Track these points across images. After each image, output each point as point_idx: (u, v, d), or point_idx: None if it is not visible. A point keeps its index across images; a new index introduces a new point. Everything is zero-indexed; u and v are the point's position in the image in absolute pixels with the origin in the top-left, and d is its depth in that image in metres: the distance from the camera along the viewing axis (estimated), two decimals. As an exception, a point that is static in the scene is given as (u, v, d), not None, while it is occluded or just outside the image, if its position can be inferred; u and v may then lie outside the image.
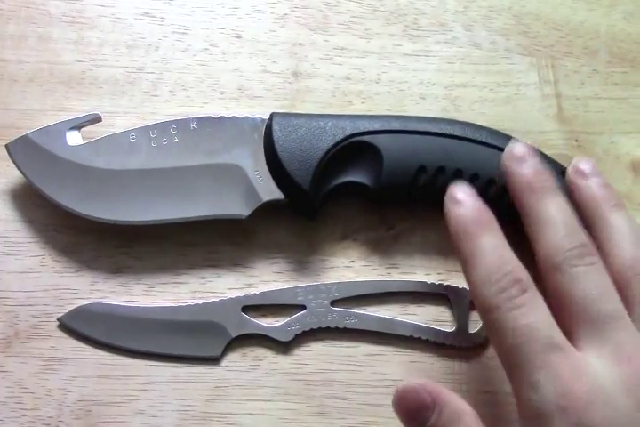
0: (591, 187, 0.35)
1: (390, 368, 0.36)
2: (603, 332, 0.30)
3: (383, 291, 0.37)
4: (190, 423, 0.35)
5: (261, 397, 0.35)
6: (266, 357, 0.36)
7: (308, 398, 0.35)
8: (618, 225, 0.34)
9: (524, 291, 0.30)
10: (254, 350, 0.36)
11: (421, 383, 0.30)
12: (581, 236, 0.32)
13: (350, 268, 0.38)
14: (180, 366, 0.36)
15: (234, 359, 0.36)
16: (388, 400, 0.35)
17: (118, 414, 0.35)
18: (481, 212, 0.33)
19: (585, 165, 0.36)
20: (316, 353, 0.36)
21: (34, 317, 0.36)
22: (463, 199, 0.33)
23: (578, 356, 0.29)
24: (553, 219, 0.32)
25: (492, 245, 0.31)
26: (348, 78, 0.42)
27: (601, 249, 0.33)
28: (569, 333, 0.30)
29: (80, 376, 0.35)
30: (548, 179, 0.33)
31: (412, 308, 0.37)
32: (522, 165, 0.34)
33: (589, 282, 0.31)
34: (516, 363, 0.29)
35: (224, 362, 0.36)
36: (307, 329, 0.36)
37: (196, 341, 0.36)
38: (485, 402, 0.36)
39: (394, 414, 0.35)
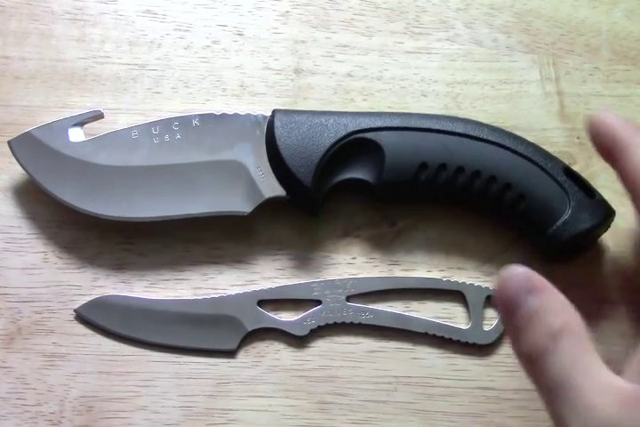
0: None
1: (392, 365, 0.36)
2: None
3: (399, 287, 0.37)
4: (192, 419, 0.35)
5: (263, 393, 0.35)
6: (268, 353, 0.36)
7: (309, 395, 0.35)
8: None
9: None
10: (269, 344, 0.36)
11: (529, 271, 0.29)
12: None
13: (352, 264, 0.38)
14: (182, 362, 0.36)
15: (236, 356, 0.36)
16: (390, 397, 0.36)
17: (120, 410, 0.35)
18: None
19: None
20: (318, 350, 0.36)
21: (36, 313, 0.36)
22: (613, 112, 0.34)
23: None
24: None
25: None
26: (350, 75, 0.42)
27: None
28: None
29: (82, 372, 0.35)
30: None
31: (415, 305, 0.37)
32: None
33: None
34: None
35: (226, 358, 0.36)
36: (322, 324, 0.36)
37: (212, 334, 0.36)
38: (489, 398, 0.36)
39: (396, 411, 0.35)
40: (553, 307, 0.29)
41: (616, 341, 0.36)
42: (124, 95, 0.40)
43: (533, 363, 0.30)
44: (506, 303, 0.30)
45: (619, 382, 0.28)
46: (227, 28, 0.43)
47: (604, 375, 0.28)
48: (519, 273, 0.30)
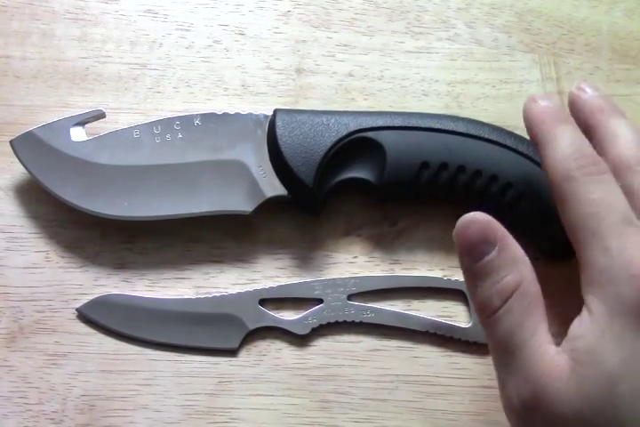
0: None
1: (393, 363, 0.36)
2: None
3: (400, 286, 0.37)
4: (193, 418, 0.35)
5: (265, 392, 0.35)
6: (269, 352, 0.36)
7: (311, 394, 0.36)
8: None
9: (603, 172, 0.30)
10: (270, 343, 0.36)
11: (489, 219, 0.29)
12: None
13: (353, 263, 0.38)
14: (183, 360, 0.36)
15: (237, 354, 0.36)
16: (391, 395, 0.36)
17: (122, 408, 0.35)
18: (561, 110, 0.33)
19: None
20: (319, 348, 0.36)
21: (38, 312, 0.36)
22: (543, 98, 0.33)
23: None
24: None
25: (573, 132, 0.32)
26: (351, 75, 0.42)
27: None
28: None
29: (84, 371, 0.35)
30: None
31: (416, 303, 0.37)
32: (586, 94, 0.35)
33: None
34: (589, 231, 0.29)
35: (227, 357, 0.36)
36: (323, 323, 0.36)
37: (214, 333, 0.36)
38: (489, 397, 0.36)
39: (397, 409, 0.35)
40: (508, 263, 0.29)
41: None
42: (125, 95, 0.41)
43: (485, 320, 0.29)
44: (463, 251, 0.29)
45: (551, 351, 0.28)
46: (228, 28, 0.43)
47: (540, 342, 0.28)
48: (479, 220, 0.29)
